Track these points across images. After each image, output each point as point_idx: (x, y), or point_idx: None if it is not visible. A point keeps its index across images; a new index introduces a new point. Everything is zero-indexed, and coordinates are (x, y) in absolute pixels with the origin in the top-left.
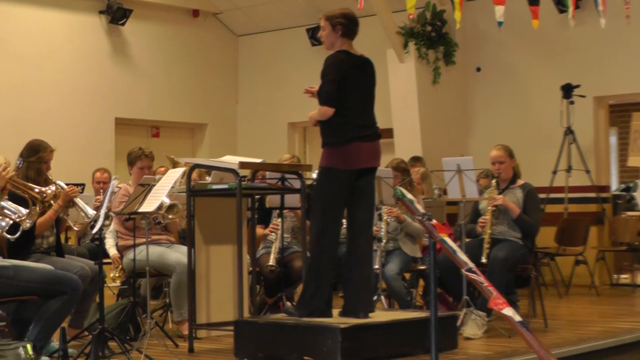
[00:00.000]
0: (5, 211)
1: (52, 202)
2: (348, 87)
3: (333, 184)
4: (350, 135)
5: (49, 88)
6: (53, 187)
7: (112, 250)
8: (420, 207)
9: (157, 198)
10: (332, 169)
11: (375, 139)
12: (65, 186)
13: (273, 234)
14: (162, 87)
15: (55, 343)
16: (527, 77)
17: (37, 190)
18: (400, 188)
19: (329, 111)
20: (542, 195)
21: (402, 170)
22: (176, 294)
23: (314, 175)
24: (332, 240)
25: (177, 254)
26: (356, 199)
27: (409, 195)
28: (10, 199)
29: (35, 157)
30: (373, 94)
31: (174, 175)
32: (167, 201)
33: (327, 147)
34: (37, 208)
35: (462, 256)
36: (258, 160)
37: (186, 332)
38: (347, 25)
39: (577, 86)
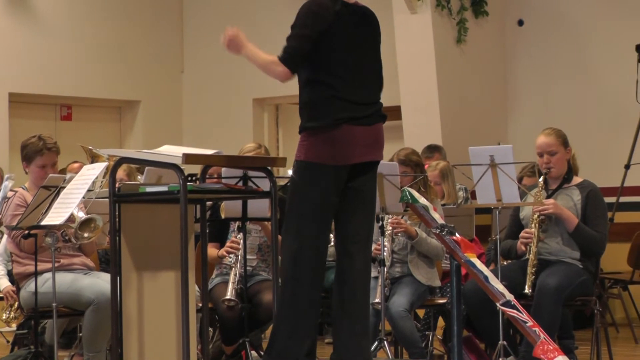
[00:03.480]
0: None
1: None
2: (335, 45)
3: (315, 185)
4: (340, 116)
5: None
6: None
7: (3, 281)
8: (437, 216)
9: (68, 205)
10: (314, 164)
11: (375, 121)
12: None
13: (232, 255)
14: (76, 50)
15: None
16: (589, 34)
17: None
18: (411, 190)
19: (282, 73)
20: (609, 200)
21: (412, 164)
22: (92, 330)
23: (290, 173)
24: (313, 264)
25: (96, 281)
26: (349, 206)
27: (423, 200)
28: None
29: None
30: (376, 58)
31: (91, 174)
32: (80, 215)
33: (307, 132)
34: None
35: (497, 285)
36: (210, 152)
37: None
38: None
39: None
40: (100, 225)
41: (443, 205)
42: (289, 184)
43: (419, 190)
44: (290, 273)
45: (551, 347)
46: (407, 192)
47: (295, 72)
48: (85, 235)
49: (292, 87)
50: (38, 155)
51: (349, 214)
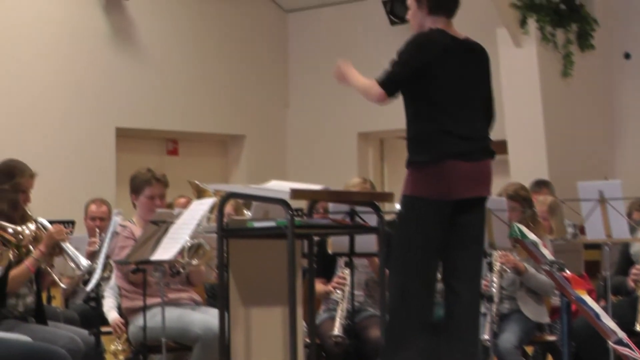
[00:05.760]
0: None
1: (30, 247)
2: (443, 79)
3: (421, 220)
4: (445, 151)
5: (23, 87)
6: (33, 227)
7: (112, 314)
8: (547, 252)
9: (177, 241)
10: (420, 198)
11: (483, 157)
12: (49, 225)
13: (339, 291)
14: (182, 85)
15: None
16: None
17: (10, 230)
18: (519, 225)
19: (379, 95)
20: None
21: (521, 199)
22: None
23: (397, 207)
24: (420, 299)
25: (204, 317)
26: (457, 242)
27: (532, 236)
28: None
29: (9, 184)
30: (485, 92)
31: (199, 209)
32: (188, 241)
33: (413, 167)
34: (10, 254)
35: (609, 322)
36: (317, 187)
37: None
38: None
39: None
40: (208, 249)
41: (552, 240)
42: (396, 218)
43: (527, 226)
44: (398, 308)
45: None
46: (516, 228)
47: (391, 95)
48: (194, 262)
49: (396, 121)
50: (147, 186)
51: (455, 250)
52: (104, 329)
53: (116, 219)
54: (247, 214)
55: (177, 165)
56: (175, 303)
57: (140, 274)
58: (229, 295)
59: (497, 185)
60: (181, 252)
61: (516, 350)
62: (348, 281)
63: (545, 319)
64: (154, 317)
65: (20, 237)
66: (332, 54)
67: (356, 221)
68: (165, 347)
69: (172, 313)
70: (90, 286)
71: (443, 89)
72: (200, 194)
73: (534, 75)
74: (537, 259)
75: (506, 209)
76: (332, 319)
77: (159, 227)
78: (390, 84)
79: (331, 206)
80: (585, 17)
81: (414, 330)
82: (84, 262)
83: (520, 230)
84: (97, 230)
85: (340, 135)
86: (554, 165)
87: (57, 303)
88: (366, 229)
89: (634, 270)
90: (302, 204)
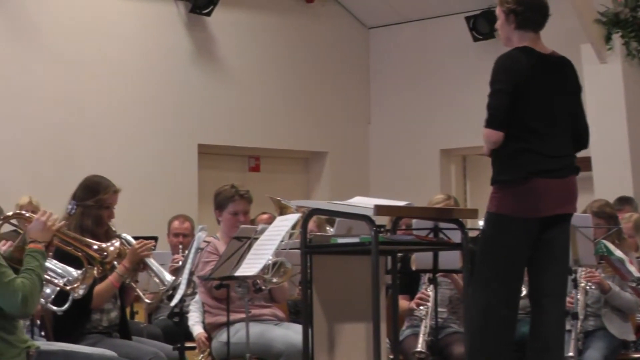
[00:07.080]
0: (50, 273)
1: (115, 263)
2: (530, 99)
3: (506, 237)
4: (531, 169)
5: (106, 104)
6: (117, 243)
7: (197, 328)
8: (634, 269)
9: (261, 257)
10: (505, 216)
11: (568, 174)
12: (133, 241)
13: (422, 307)
14: (264, 101)
15: None
16: None
17: (95, 246)
18: (605, 242)
19: (493, 136)
20: None
21: (606, 216)
22: None
23: (481, 224)
24: (503, 317)
25: (286, 332)
26: (541, 259)
27: (618, 253)
28: (57, 259)
29: (94, 200)
30: (572, 108)
31: (282, 225)
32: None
33: (498, 185)
34: (95, 271)
35: None
36: (400, 203)
37: None
38: (524, 12)
39: None
40: (289, 267)
41: (638, 257)
42: (479, 235)
43: (613, 243)
44: (480, 326)
45: None
46: (602, 245)
47: (502, 129)
48: (274, 280)
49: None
50: (230, 202)
51: (541, 267)
52: (188, 344)
53: (201, 235)
54: (330, 230)
55: (258, 182)
56: (258, 319)
57: (223, 289)
58: (313, 311)
59: (582, 202)
60: (264, 269)
61: None
62: (431, 298)
63: (631, 337)
64: (236, 333)
65: (105, 253)
66: (414, 70)
67: (440, 238)
68: None
69: (254, 329)
70: (174, 302)
71: (530, 109)
72: (282, 210)
73: (619, 91)
74: (624, 276)
75: (591, 225)
76: (416, 335)
77: (242, 243)
78: (496, 121)
79: (414, 222)
80: None
81: (496, 348)
82: (168, 277)
83: (606, 247)
84: (180, 246)
85: (422, 152)
86: (639, 181)
87: (141, 318)
88: (450, 246)
89: None
90: (384, 220)
